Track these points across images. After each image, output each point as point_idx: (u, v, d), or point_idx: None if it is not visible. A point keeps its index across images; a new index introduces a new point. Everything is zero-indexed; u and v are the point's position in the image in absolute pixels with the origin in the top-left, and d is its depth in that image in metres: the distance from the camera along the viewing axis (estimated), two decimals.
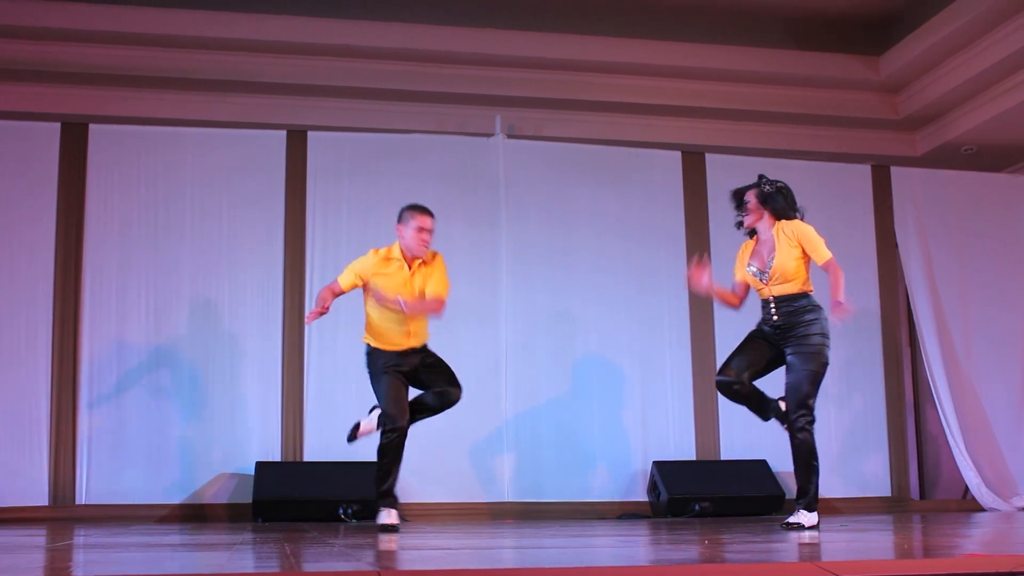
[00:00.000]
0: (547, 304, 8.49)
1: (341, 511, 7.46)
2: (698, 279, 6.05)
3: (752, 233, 6.13)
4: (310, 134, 8.45)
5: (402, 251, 6.14)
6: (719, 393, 6.29)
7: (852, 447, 8.87)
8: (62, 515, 7.54)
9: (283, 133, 8.42)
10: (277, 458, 7.94)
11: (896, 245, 9.28)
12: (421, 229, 6.07)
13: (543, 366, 8.45)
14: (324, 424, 8.05)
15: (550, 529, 6.07)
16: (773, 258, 5.86)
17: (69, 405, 7.78)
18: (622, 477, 8.41)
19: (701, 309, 8.71)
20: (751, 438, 8.57)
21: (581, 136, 9.01)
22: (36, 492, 7.64)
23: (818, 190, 9.18)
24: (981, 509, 8.73)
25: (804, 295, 5.86)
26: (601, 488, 8.37)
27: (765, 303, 5.92)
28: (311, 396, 8.10)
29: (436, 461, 8.02)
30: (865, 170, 9.38)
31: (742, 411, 6.36)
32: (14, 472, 7.65)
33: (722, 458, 8.58)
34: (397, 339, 6.08)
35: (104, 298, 7.96)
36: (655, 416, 8.61)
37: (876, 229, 9.26)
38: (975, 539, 5.03)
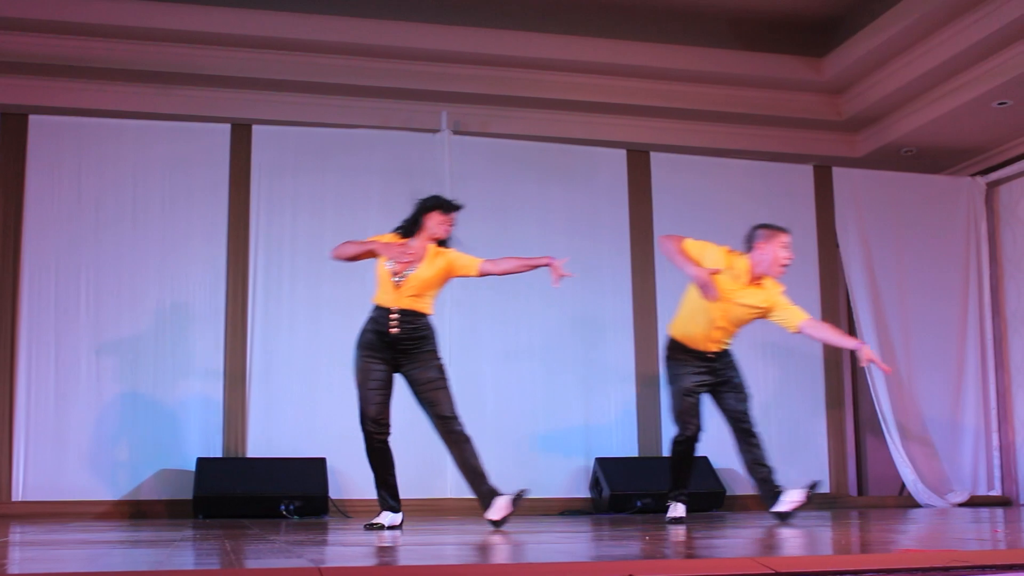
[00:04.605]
0: (490, 300, 8.49)
1: (283, 507, 7.42)
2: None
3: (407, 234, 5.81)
4: (255, 128, 8.39)
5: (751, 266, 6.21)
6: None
7: (792, 444, 8.97)
8: None
9: (227, 127, 8.36)
10: (219, 454, 7.88)
11: (837, 244, 9.40)
12: (787, 246, 6.25)
13: (486, 362, 8.46)
14: (267, 420, 8.01)
15: (493, 525, 6.07)
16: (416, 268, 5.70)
17: (6, 400, 7.67)
18: (564, 473, 8.45)
19: (644, 306, 8.78)
20: None
21: (527, 133, 9.03)
22: None
23: (761, 189, 9.30)
24: (917, 505, 8.87)
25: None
26: (543, 484, 8.37)
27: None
28: (254, 392, 8.05)
29: None
30: (807, 170, 9.49)
31: None
32: None
33: (664, 455, 8.61)
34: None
35: (43, 291, 7.86)
36: (598, 413, 8.65)
37: (818, 228, 9.38)
38: (911, 535, 5.11)
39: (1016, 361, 9.46)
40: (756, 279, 6.24)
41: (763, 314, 6.30)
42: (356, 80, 8.67)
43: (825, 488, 8.97)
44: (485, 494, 5.72)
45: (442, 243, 5.83)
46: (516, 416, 8.45)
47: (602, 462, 8.28)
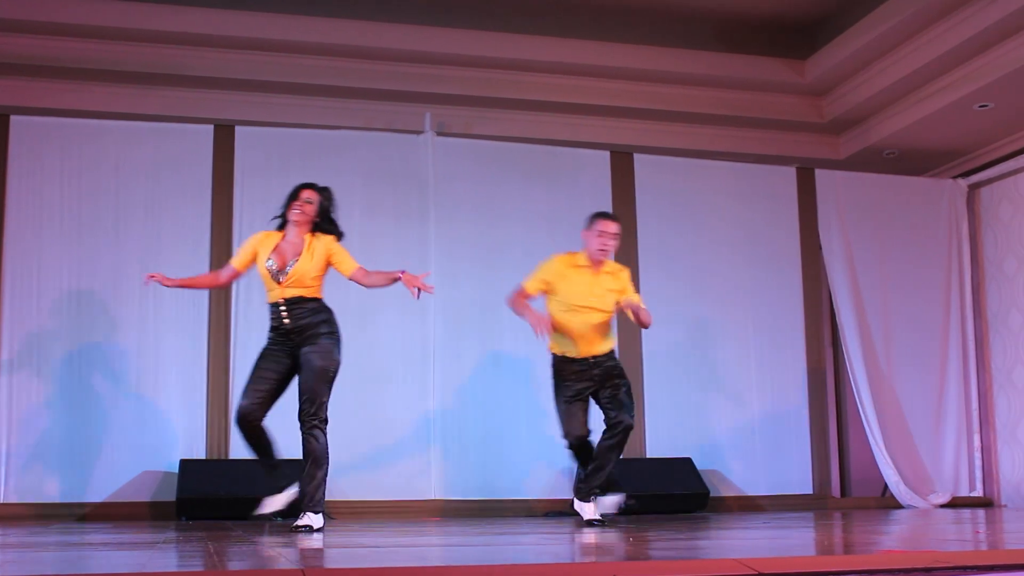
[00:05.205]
0: (475, 301, 8.49)
1: None
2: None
3: (282, 227, 6.01)
4: (238, 129, 8.36)
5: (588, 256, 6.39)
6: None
7: (775, 445, 8.99)
8: None
9: (210, 128, 8.32)
10: (202, 455, 7.85)
11: (820, 246, 9.42)
12: (603, 233, 6.40)
13: (470, 363, 8.46)
14: None
15: (477, 527, 6.08)
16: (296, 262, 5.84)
17: None
18: (549, 474, 8.44)
19: None
20: (676, 436, 8.66)
21: (510, 135, 9.03)
22: None
23: (744, 191, 9.33)
24: (899, 506, 8.91)
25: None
26: (528, 485, 8.39)
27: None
28: (237, 393, 7.98)
29: (363, 458, 7.99)
30: (790, 172, 9.51)
31: (667, 409, 6.46)
32: None
33: (647, 456, 8.65)
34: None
35: (24, 293, 7.81)
36: None
37: (800, 230, 9.40)
38: (893, 536, 5.14)
39: (997, 362, 9.51)
40: (593, 264, 6.48)
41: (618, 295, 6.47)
42: (340, 81, 8.66)
43: (808, 489, 9.00)
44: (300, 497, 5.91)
45: (323, 229, 5.92)
46: (501, 416, 8.45)
47: None
